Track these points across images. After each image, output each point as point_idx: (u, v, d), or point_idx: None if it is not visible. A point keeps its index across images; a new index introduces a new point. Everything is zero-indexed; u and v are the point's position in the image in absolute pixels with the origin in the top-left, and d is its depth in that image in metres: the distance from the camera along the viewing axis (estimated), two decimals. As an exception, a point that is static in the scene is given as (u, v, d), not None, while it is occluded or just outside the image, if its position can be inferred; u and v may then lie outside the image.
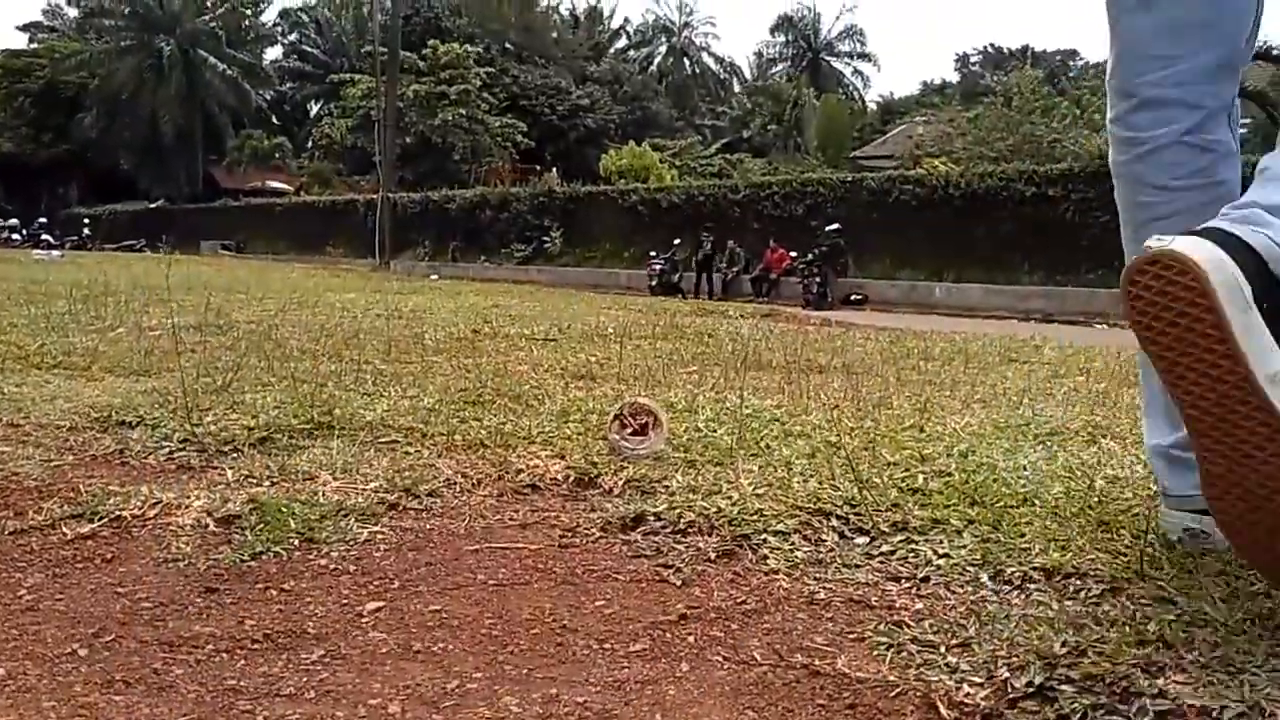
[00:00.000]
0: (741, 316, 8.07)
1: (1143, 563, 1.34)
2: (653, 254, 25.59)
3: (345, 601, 1.39)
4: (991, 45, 62.45)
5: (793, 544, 1.55)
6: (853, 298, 22.24)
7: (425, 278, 21.61)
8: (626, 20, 62.39)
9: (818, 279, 22.21)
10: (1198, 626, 1.15)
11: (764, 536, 1.57)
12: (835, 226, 22.82)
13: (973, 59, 63.10)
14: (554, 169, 34.61)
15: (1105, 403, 2.86)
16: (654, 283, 24.55)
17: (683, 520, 1.65)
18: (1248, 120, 26.86)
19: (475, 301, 8.00)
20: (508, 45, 45.98)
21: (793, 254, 23.68)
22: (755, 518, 1.63)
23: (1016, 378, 3.52)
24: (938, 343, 4.99)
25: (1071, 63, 56.43)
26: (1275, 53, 27.41)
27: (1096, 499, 1.68)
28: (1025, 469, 1.91)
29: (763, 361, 3.86)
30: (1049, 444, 2.19)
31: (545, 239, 30.49)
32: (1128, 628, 1.15)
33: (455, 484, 1.90)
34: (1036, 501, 1.66)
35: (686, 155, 39.94)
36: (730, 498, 1.73)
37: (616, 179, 32.42)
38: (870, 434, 2.25)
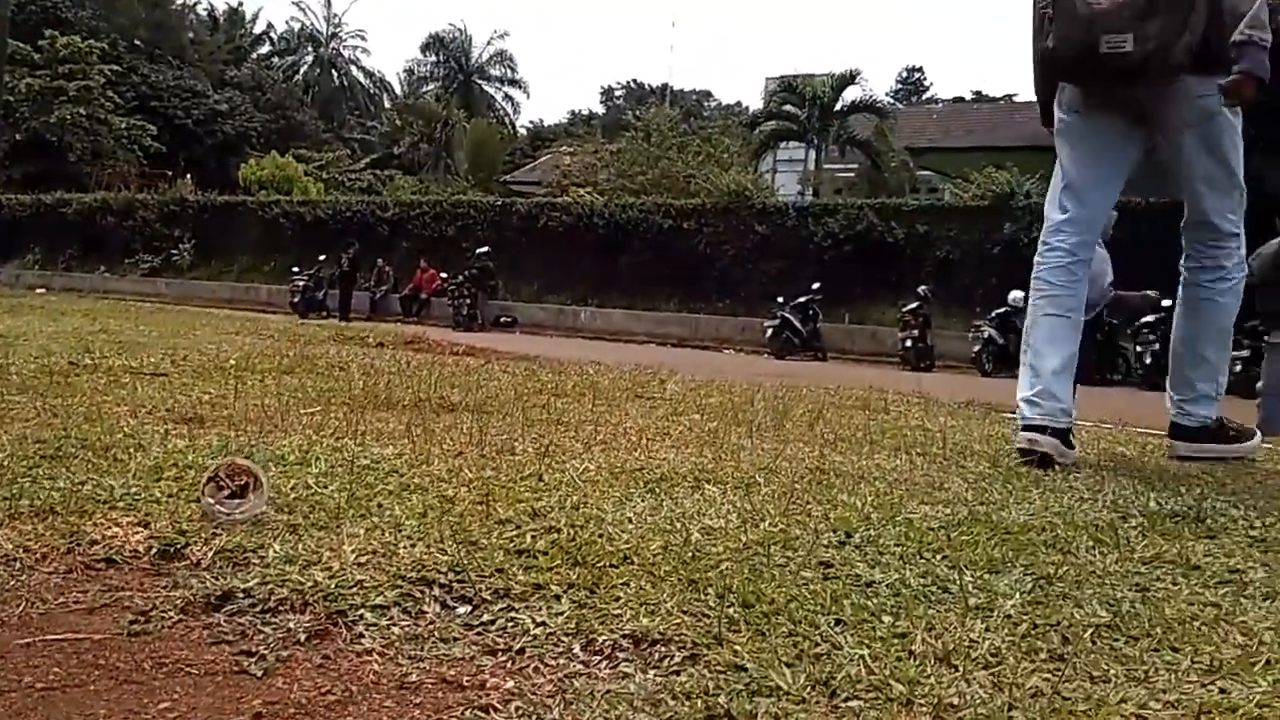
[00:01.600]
0: (381, 344, 7.87)
1: (721, 626, 1.40)
2: (295, 270, 24.57)
3: None
4: (635, 81, 65.75)
5: (391, 618, 1.49)
6: (503, 320, 22.50)
7: (31, 290, 19.49)
8: (270, 26, 59.34)
9: (468, 300, 22.29)
10: (763, 695, 1.20)
11: (361, 612, 1.50)
12: (486, 249, 23.02)
13: (617, 93, 66.16)
14: (187, 176, 32.35)
15: (714, 443, 3.02)
16: (296, 299, 23.61)
17: (274, 597, 1.53)
18: (855, 165, 29.92)
19: (80, 324, 7.23)
20: (137, 42, 42.50)
21: (443, 274, 23.62)
22: (354, 590, 1.55)
23: (639, 415, 3.65)
24: (570, 377, 5.10)
25: (706, 103, 60.55)
26: (878, 105, 30.80)
27: (691, 553, 1.75)
28: (630, 521, 1.96)
29: (393, 399, 3.76)
30: (657, 491, 2.27)
31: (175, 250, 28.54)
32: (700, 701, 1.19)
33: (15, 560, 1.67)
34: (635, 559, 1.71)
35: (334, 169, 38.83)
36: (330, 568, 1.63)
37: (257, 190, 30.95)
38: (489, 485, 2.23)
